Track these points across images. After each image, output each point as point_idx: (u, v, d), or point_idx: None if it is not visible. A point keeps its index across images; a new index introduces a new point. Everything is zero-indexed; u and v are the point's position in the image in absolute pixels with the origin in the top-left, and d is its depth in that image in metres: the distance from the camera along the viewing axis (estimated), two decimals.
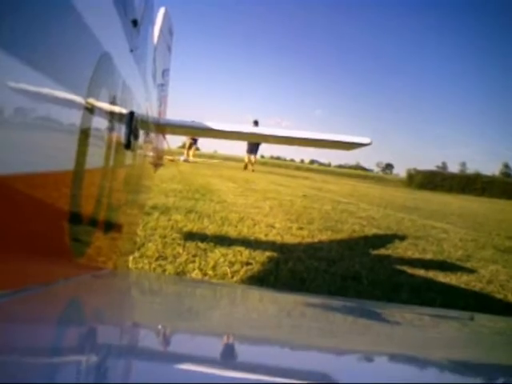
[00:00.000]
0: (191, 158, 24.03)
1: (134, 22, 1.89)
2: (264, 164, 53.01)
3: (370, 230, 8.30)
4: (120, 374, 0.66)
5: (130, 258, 4.12)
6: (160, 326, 0.93)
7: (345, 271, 4.91)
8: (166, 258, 4.45)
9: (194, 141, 23.18)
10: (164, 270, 4.10)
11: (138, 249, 4.57)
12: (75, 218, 1.09)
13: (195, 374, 0.64)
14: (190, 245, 5.10)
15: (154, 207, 7.06)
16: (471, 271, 5.79)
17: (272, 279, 4.30)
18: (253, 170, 23.89)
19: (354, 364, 0.83)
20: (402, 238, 7.86)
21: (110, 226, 1.64)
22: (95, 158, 1.20)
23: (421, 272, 5.36)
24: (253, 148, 23.41)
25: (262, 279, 4.29)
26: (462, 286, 5.01)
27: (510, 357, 1.03)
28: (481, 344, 1.13)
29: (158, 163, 4.29)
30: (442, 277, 5.26)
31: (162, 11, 4.62)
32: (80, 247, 1.19)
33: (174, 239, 5.29)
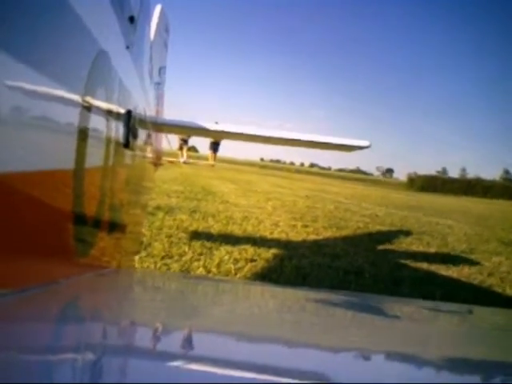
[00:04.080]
0: (188, 159, 24.34)
1: (131, 19, 1.87)
2: (264, 167, 53.08)
3: (374, 227, 8.32)
4: (127, 372, 0.65)
5: (137, 257, 4.15)
6: (165, 324, 0.93)
7: (348, 265, 4.95)
8: (171, 257, 4.48)
9: (185, 141, 23.29)
10: (169, 269, 4.11)
11: (145, 248, 4.59)
12: (77, 217, 1.08)
13: (202, 371, 0.64)
14: (196, 243, 5.12)
15: (158, 208, 7.08)
16: (473, 264, 5.81)
17: (275, 276, 4.32)
18: (213, 165, 24.94)
19: (356, 356, 0.83)
20: (407, 233, 7.88)
21: (113, 226, 1.63)
22: (94, 156, 1.18)
23: (424, 265, 5.38)
24: (214, 147, 24.87)
25: (266, 276, 4.32)
26: (463, 279, 5.03)
27: (508, 348, 1.04)
28: (479, 336, 1.14)
29: (157, 163, 4.26)
30: (443, 270, 5.29)
31: (158, 8, 4.61)
32: (83, 246, 1.18)
33: (180, 238, 5.31)
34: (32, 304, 0.79)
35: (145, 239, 4.87)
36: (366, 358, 0.84)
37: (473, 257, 6.27)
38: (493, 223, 11.50)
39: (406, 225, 9.18)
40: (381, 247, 6.30)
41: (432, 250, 6.55)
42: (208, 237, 5.59)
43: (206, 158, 26.98)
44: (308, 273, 4.53)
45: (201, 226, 6.24)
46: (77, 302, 1.01)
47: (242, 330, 0.92)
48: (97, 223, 1.33)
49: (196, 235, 5.63)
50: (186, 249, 4.84)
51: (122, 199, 1.77)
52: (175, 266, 4.20)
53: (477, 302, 4.01)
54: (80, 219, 1.12)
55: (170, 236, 5.33)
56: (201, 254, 4.70)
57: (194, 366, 0.67)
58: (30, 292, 0.78)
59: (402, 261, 5.53)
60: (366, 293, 3.75)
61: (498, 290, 4.75)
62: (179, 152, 23.45)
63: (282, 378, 0.66)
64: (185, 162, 22.76)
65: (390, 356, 0.87)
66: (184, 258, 4.47)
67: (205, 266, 4.30)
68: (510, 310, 3.42)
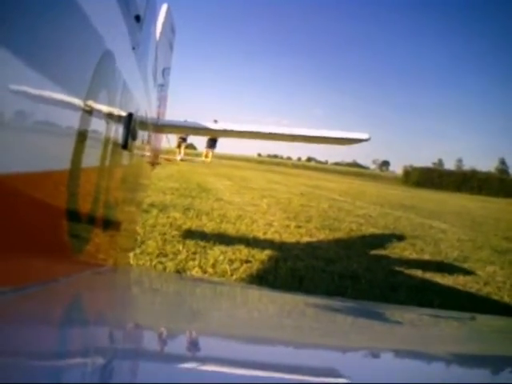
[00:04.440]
0: (185, 157, 24.66)
1: (137, 18, 1.84)
2: (261, 162, 53.19)
3: (368, 229, 8.33)
4: (120, 372, 0.66)
5: (131, 254, 4.16)
6: (160, 324, 0.93)
7: (343, 270, 4.95)
8: (166, 255, 4.48)
9: (183, 139, 23.56)
10: (165, 268, 4.12)
11: (139, 246, 4.60)
12: (74, 217, 1.09)
13: (194, 372, 0.64)
14: (190, 242, 5.12)
15: (152, 205, 7.08)
16: (468, 273, 5.82)
17: (271, 278, 4.33)
18: (210, 162, 25.65)
19: (352, 363, 0.83)
20: (400, 237, 7.89)
21: (109, 224, 1.63)
22: (93, 157, 1.19)
23: (418, 273, 5.37)
24: (212, 144, 25.63)
25: (262, 277, 4.33)
26: (459, 287, 5.04)
27: (510, 356, 1.02)
28: (482, 344, 1.13)
29: (154, 162, 4.26)
30: (439, 278, 5.28)
31: (164, 8, 4.54)
32: (79, 245, 1.18)
33: (173, 236, 5.31)
34: (27, 303, 0.79)
35: (139, 237, 4.88)
36: (364, 364, 0.84)
37: (466, 265, 6.26)
38: (486, 228, 11.51)
39: (399, 227, 9.20)
40: (373, 252, 6.31)
41: (425, 256, 6.55)
42: (202, 235, 5.59)
43: (203, 155, 27.38)
44: (303, 275, 4.54)
45: (194, 225, 6.25)
46: (72, 301, 1.01)
47: (236, 332, 0.93)
48: (94, 224, 1.34)
49: (190, 233, 5.64)
50: (180, 247, 4.84)
51: (118, 199, 1.77)
52: (170, 265, 4.21)
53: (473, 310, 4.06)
54: (77, 220, 1.12)
55: (163, 234, 5.34)
56: (195, 253, 4.71)
57: (188, 367, 0.67)
58: (25, 290, 0.79)
59: (396, 266, 5.56)
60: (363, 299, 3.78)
61: (496, 298, 4.78)
62: (177, 150, 23.71)
63: (277, 380, 0.66)
64: (182, 160, 23.02)
65: (391, 362, 0.88)
66: (179, 257, 4.48)
67: (200, 266, 4.31)
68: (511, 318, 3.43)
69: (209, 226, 6.33)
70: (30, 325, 0.74)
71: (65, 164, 0.96)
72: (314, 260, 5.23)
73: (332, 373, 0.74)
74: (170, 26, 4.79)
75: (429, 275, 5.32)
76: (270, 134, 4.09)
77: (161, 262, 4.24)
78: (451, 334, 1.27)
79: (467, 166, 77.80)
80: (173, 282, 1.70)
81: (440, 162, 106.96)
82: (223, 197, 10.09)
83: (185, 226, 6.01)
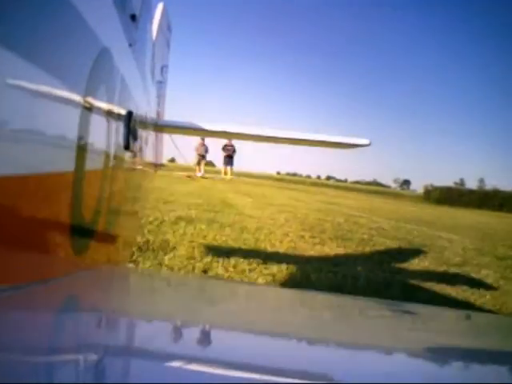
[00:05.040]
0: (205, 174, 25.46)
1: (133, 17, 1.86)
2: (280, 180, 53.78)
3: (378, 240, 8.89)
4: (118, 371, 0.66)
5: (166, 257, 4.94)
6: (158, 323, 0.94)
7: (346, 271, 5.62)
8: (194, 258, 5.24)
9: (202, 156, 24.60)
10: (194, 267, 4.86)
11: (171, 250, 5.40)
12: (75, 217, 1.09)
13: (192, 371, 0.64)
14: (215, 248, 5.86)
15: (180, 218, 7.88)
16: (463, 275, 6.37)
17: (283, 276, 5.02)
18: (230, 179, 26.40)
19: (351, 359, 0.85)
20: (407, 246, 8.46)
21: (110, 226, 1.61)
22: (93, 159, 1.17)
23: (414, 275, 5.95)
24: (228, 161, 26.87)
25: (274, 275, 5.04)
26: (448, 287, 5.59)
27: (505, 354, 1.03)
28: (477, 343, 1.14)
29: (158, 164, 4.22)
30: (432, 277, 5.87)
31: (160, 7, 4.57)
32: (79, 246, 1.18)
33: (200, 244, 6.07)
34: (24, 300, 0.80)
35: (170, 244, 5.67)
36: (362, 360, 0.85)
37: (462, 269, 6.79)
38: (496, 239, 11.87)
39: (409, 238, 9.74)
40: (377, 257, 6.95)
41: (426, 262, 7.13)
42: (225, 243, 6.34)
43: (222, 173, 28.08)
44: (311, 274, 5.24)
45: (218, 235, 7.00)
46: (71, 299, 1.02)
47: (236, 329, 0.94)
48: (93, 224, 1.34)
49: (214, 241, 6.39)
50: (206, 252, 5.58)
51: (119, 203, 1.76)
52: (199, 265, 4.95)
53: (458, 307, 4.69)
54: (74, 221, 1.11)
55: (191, 241, 6.10)
56: (219, 257, 5.43)
57: (186, 365, 0.68)
58: (22, 289, 0.80)
59: (396, 269, 6.19)
60: (362, 296, 4.40)
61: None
62: (197, 167, 24.52)
63: (279, 378, 0.67)
64: (202, 177, 23.79)
65: (387, 358, 0.90)
66: (205, 260, 5.21)
67: (223, 266, 5.03)
68: (506, 316, 3.65)
69: (231, 236, 7.07)
70: (28, 322, 0.74)
71: (63, 166, 0.95)
72: (322, 263, 5.92)
73: (326, 372, 0.75)
74: (166, 25, 4.85)
75: (423, 275, 5.92)
76: (273, 137, 4.11)
77: (191, 263, 4.99)
78: (446, 332, 1.27)
79: (489, 186, 76.71)
80: (171, 281, 1.72)
81: (462, 182, 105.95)
82: (244, 211, 10.80)
83: (210, 236, 6.76)
